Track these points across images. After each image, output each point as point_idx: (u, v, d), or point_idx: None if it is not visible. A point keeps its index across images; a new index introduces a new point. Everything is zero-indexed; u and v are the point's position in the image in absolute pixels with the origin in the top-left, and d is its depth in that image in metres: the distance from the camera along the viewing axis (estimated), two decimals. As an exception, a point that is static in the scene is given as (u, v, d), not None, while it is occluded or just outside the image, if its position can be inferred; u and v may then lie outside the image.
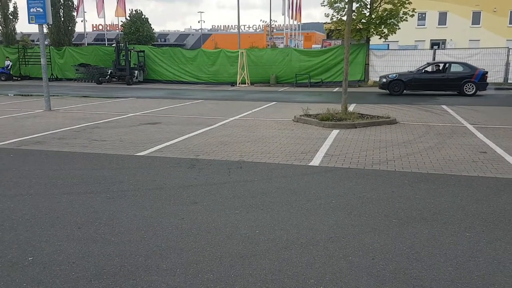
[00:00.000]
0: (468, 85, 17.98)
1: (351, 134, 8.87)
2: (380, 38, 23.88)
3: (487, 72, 18.34)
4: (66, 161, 6.73)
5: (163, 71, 27.11)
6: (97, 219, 4.22)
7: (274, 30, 48.24)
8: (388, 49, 27.48)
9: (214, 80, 26.25)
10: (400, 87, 18.38)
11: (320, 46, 38.49)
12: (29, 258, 3.40)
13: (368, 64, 24.36)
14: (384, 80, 18.88)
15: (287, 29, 48.98)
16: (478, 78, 18.00)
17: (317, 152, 7.21)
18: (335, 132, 9.14)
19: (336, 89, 22.00)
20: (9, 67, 28.73)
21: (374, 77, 24.40)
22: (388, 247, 3.61)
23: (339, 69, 23.70)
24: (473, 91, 18.02)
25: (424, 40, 41.30)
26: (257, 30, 63.57)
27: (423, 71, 18.77)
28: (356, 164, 6.46)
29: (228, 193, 5.08)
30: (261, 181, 5.59)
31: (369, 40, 24.28)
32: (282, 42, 48.62)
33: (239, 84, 25.24)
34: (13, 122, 10.66)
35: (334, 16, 23.38)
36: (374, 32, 23.01)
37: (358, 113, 11.04)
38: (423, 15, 41.71)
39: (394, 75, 18.96)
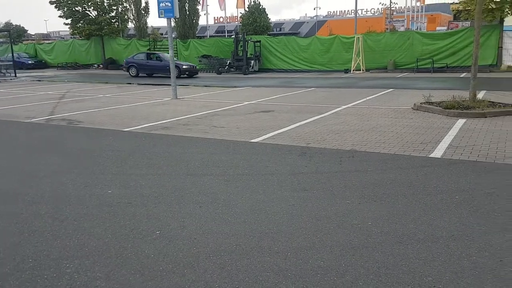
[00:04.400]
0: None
1: (480, 124, 8.07)
2: (516, 18, 21.18)
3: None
4: (189, 145, 7.28)
5: (277, 60, 27.55)
6: (216, 200, 4.50)
7: (394, 13, 45.60)
8: (526, 29, 24.21)
9: (328, 68, 25.91)
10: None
11: (445, 28, 35.49)
12: (157, 232, 3.77)
13: (502, 47, 21.79)
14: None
15: (408, 11, 46.04)
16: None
17: (439, 143, 6.72)
18: (461, 121, 8.40)
19: (463, 75, 20.16)
20: None
21: (508, 61, 21.79)
22: (521, 250, 3.24)
23: (467, 53, 21.62)
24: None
25: None
26: (375, 14, 60.78)
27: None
28: (485, 157, 5.87)
29: (338, 182, 5.01)
30: (375, 172, 5.40)
31: (503, 21, 21.65)
32: (403, 25, 45.80)
33: (353, 71, 24.54)
34: (145, 109, 11.83)
35: (463, -5, 21.33)
36: (510, 12, 20.43)
37: (489, 101, 9.98)
38: None
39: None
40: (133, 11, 35.96)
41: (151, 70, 25.73)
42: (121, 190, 4.91)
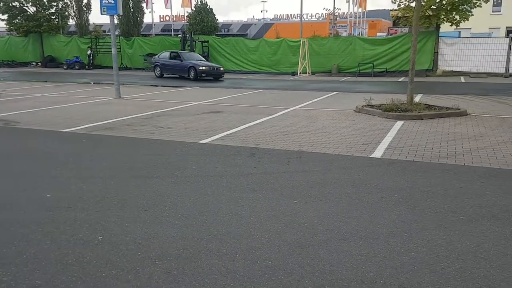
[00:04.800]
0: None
1: (416, 126, 8.51)
2: (451, 25, 22.58)
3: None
4: (134, 146, 7.08)
5: (226, 61, 27.53)
6: (162, 203, 4.41)
7: (338, 18, 47.04)
8: (459, 36, 25.90)
9: (275, 70, 26.26)
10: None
11: (385, 34, 37.11)
12: (99, 237, 3.63)
13: (438, 52, 23.15)
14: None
15: (351, 17, 47.67)
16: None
17: (379, 144, 7.01)
18: (399, 123, 8.82)
19: (401, 79, 21.18)
20: (91, 56, 30.64)
21: (443, 66, 23.18)
22: (454, 244, 3.45)
23: (405, 58, 22.77)
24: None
25: (499, 28, 38.34)
26: (320, 19, 62.43)
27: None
28: (421, 157, 6.21)
29: (286, 182, 5.09)
30: (320, 172, 5.54)
31: (439, 27, 23.04)
32: (346, 31, 47.37)
33: (300, 73, 25.04)
34: (86, 109, 11.37)
35: (402, 2, 22.43)
36: (445, 19, 21.79)
37: (425, 104, 10.55)
38: (499, 1, 38.68)
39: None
40: (74, 8, 34.53)
41: (172, 71, 22.82)
42: (61, 194, 4.68)
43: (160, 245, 3.46)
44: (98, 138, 7.76)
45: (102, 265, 3.15)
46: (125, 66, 29.96)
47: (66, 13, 34.46)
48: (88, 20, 35.64)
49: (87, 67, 30.51)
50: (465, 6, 21.16)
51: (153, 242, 3.53)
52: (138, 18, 33.54)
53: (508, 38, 23.11)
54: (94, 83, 19.87)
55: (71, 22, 36.01)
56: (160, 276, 3.01)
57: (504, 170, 5.56)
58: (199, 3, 36.24)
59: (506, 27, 38.56)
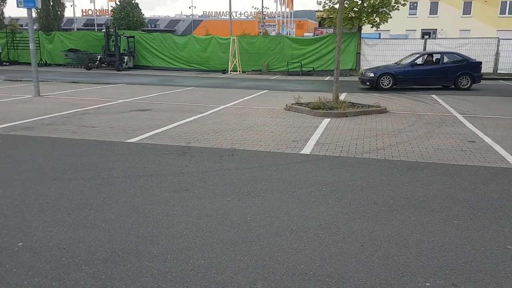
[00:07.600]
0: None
1: (342, 123, 8.90)
2: (371, 27, 23.89)
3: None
4: (55, 147, 6.67)
5: (154, 57, 26.86)
6: (87, 205, 4.21)
7: (266, 18, 47.88)
8: (379, 38, 27.47)
9: (205, 67, 26.08)
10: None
11: (312, 34, 38.39)
12: (19, 244, 3.38)
13: (360, 53, 24.37)
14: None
15: (279, 16, 48.74)
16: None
17: (308, 141, 7.24)
18: (326, 120, 9.16)
19: (327, 78, 22.00)
20: None
21: (365, 66, 24.40)
22: (377, 233, 3.66)
23: (331, 58, 23.67)
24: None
25: (415, 30, 41.31)
26: (249, 17, 63.11)
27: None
28: (346, 153, 6.50)
29: (219, 180, 5.08)
30: (253, 169, 5.60)
31: (361, 29, 24.25)
32: (274, 30, 48.33)
33: (230, 71, 25.10)
34: (2, 108, 10.51)
35: (327, 4, 23.32)
36: (366, 20, 22.99)
37: (349, 102, 11.07)
38: (415, 5, 41.67)
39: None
40: (-13, 0, 31.87)
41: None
42: (-27, 200, 4.29)
43: (86, 249, 3.30)
44: (16, 138, 7.21)
45: (23, 273, 2.94)
46: (44, 62, 28.15)
47: (-22, 5, 31.71)
48: (3, 13, 33.09)
49: (4, 63, 28.22)
50: (384, 9, 22.50)
51: (78, 246, 3.35)
52: (59, 12, 31.73)
53: (423, 40, 24.91)
54: (5, 80, 18.39)
55: (-17, 15, 33.23)
56: (87, 281, 2.87)
57: (420, 163, 5.99)
58: (124, -3, 35.08)
59: (421, 29, 41.64)
